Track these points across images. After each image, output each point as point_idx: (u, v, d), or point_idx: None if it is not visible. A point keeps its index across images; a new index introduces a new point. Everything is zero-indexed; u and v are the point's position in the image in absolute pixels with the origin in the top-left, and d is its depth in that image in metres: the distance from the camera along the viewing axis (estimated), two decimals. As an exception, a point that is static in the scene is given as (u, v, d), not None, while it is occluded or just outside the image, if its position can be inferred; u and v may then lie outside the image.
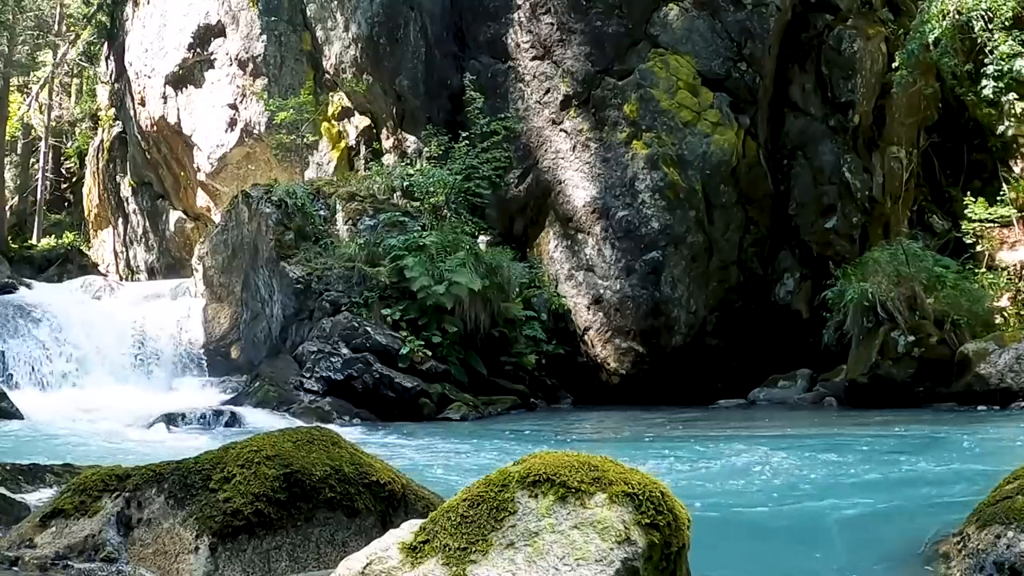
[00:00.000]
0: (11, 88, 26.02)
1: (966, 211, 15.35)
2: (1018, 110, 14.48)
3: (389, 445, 9.33)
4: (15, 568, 3.15)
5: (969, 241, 15.19)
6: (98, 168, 23.80)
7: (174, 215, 21.69)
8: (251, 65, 18.61)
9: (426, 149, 15.97)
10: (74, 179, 28.77)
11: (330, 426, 9.33)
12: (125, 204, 22.98)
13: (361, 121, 17.57)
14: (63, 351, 14.41)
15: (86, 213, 25.13)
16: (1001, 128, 15.16)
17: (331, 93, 17.89)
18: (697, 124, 14.56)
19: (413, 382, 12.56)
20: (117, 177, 23.11)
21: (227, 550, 3.20)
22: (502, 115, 15.57)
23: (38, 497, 4.11)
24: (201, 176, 19.98)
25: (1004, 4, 13.80)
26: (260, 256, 14.61)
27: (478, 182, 15.34)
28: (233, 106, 18.94)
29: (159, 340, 14.93)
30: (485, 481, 2.75)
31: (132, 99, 21.48)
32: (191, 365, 14.76)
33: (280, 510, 3.29)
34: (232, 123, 19.05)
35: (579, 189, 14.93)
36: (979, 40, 14.48)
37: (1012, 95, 14.51)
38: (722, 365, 14.60)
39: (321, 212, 15.12)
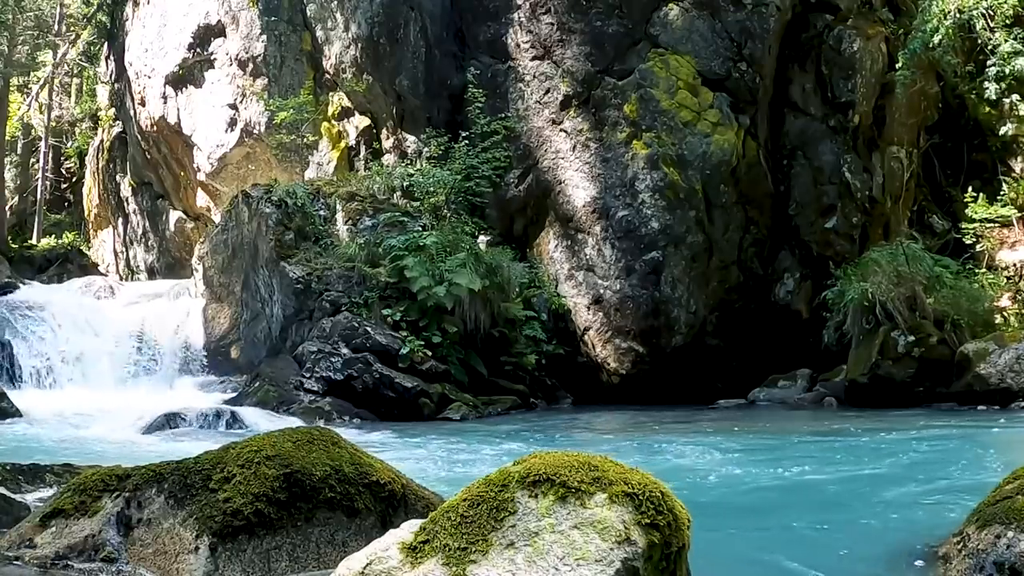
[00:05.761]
0: (11, 88, 26.02)
1: (966, 211, 15.35)
2: (1022, 111, 14.48)
3: (389, 445, 9.33)
4: (15, 564, 3.15)
5: (969, 241, 15.19)
6: (98, 168, 23.80)
7: (174, 215, 21.70)
8: (251, 65, 18.61)
9: (426, 149, 15.97)
10: (74, 179, 28.77)
11: (330, 426, 9.35)
12: (125, 204, 22.99)
13: (361, 121, 17.57)
14: (63, 351, 14.41)
15: (86, 213, 25.13)
16: (1004, 128, 15.15)
17: (331, 93, 17.89)
18: (697, 124, 14.55)
19: (413, 382, 12.56)
20: (117, 177, 23.12)
21: (227, 550, 3.20)
22: (502, 115, 15.58)
23: (38, 497, 4.11)
24: (201, 176, 19.98)
25: (1005, 3, 13.80)
26: (260, 256, 14.61)
27: (478, 182, 15.34)
28: (233, 106, 18.94)
29: (159, 340, 14.93)
30: (485, 481, 2.75)
31: (132, 99, 21.48)
32: (191, 365, 14.76)
33: (280, 510, 3.29)
34: (232, 123, 19.06)
35: (579, 189, 14.92)
36: (980, 40, 14.48)
37: (1015, 96, 14.52)
38: (722, 365, 14.60)
39: (321, 212, 15.11)
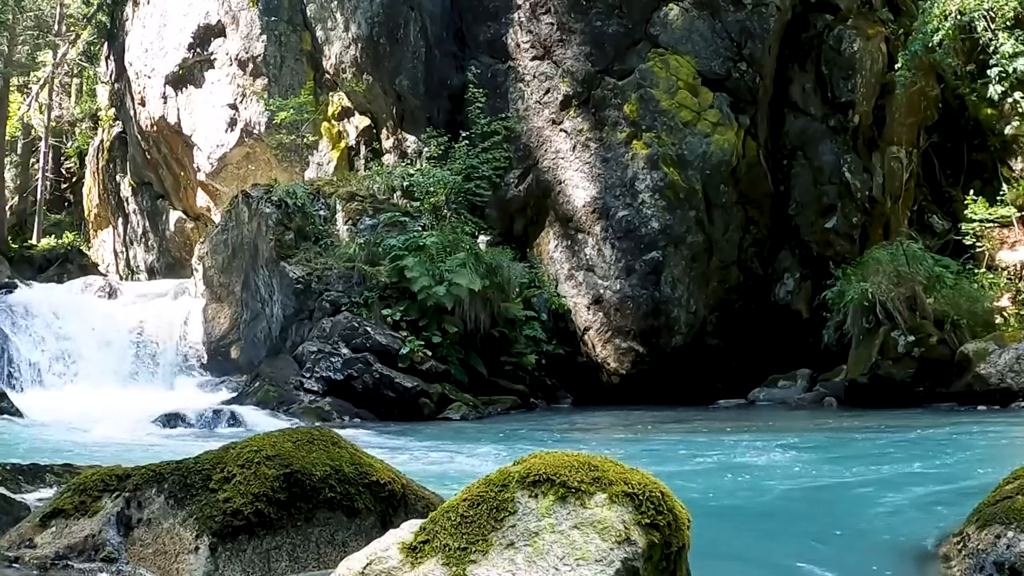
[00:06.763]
0: (11, 88, 26.01)
1: (966, 211, 15.35)
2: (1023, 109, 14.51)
3: (389, 445, 9.33)
4: (15, 566, 3.15)
5: (969, 241, 15.19)
6: (98, 168, 23.80)
7: (174, 215, 21.69)
8: (251, 65, 18.61)
9: (426, 149, 15.97)
10: (74, 179, 28.77)
11: (330, 426, 9.34)
12: (125, 204, 22.99)
13: (361, 121, 17.57)
14: (63, 351, 14.42)
15: (86, 213, 25.13)
16: (1008, 129, 15.14)
17: (331, 93, 17.88)
18: (697, 124, 14.56)
19: (413, 382, 12.56)
20: (117, 177, 23.12)
21: (227, 550, 3.20)
22: (502, 115, 15.57)
23: (38, 497, 4.11)
24: (201, 176, 19.98)
25: (1006, 4, 13.81)
26: (260, 256, 14.61)
27: (478, 182, 15.34)
28: (233, 106, 18.94)
29: (159, 340, 14.93)
30: (485, 481, 2.75)
31: (132, 99, 21.48)
32: (191, 365, 14.76)
33: (280, 510, 3.29)
34: (232, 123, 19.05)
35: (579, 189, 14.93)
36: (980, 40, 14.49)
37: (1017, 94, 14.51)
38: (722, 365, 14.60)
39: (321, 212, 15.12)
